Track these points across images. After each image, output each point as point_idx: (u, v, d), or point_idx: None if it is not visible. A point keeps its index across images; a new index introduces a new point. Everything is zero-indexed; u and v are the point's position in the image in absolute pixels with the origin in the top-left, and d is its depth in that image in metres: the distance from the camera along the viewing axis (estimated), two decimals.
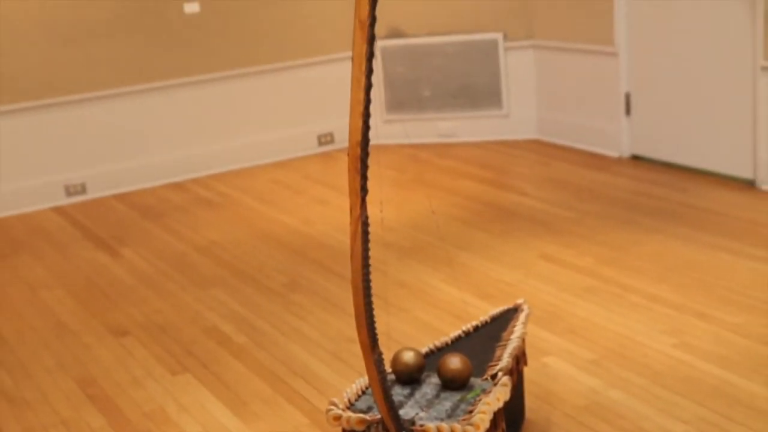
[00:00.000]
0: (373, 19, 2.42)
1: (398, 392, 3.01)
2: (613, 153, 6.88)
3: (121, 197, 7.04)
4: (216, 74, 7.33)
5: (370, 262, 2.57)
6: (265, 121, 7.57)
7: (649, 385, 3.77)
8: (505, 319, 3.59)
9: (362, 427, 2.83)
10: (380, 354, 2.67)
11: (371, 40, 2.43)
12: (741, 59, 5.83)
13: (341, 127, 7.50)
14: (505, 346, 3.34)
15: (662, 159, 6.57)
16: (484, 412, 2.84)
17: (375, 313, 2.63)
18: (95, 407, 4.02)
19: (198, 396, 4.03)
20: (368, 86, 2.43)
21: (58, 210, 6.86)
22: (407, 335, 4.31)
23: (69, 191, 6.98)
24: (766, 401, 3.57)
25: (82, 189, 7.02)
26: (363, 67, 2.42)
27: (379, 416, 2.80)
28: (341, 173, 7.00)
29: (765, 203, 5.63)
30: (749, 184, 5.92)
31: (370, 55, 2.43)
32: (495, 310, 3.76)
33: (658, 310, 4.40)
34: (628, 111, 6.74)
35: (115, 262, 5.73)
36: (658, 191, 6.04)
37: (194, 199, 6.87)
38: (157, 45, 7.11)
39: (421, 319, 4.54)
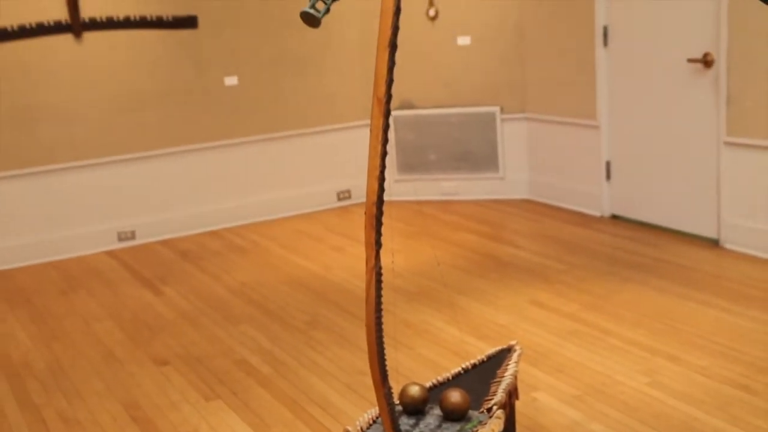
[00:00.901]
0: (389, 97, 2.42)
1: (405, 422, 2.98)
2: (595, 212, 6.86)
3: (165, 243, 7.05)
4: (250, 138, 7.36)
5: (382, 305, 2.56)
6: (291, 178, 7.59)
7: (625, 420, 3.74)
8: (499, 358, 3.56)
9: None
10: (389, 388, 2.65)
11: (387, 114, 2.42)
12: (707, 135, 5.83)
13: (357, 185, 7.59)
14: (499, 382, 3.31)
15: (638, 219, 6.55)
16: None
17: (385, 350, 2.61)
18: (138, 428, 4.00)
19: (228, 420, 4.00)
20: (384, 154, 2.43)
21: (111, 253, 6.86)
22: (413, 370, 4.28)
23: (120, 237, 6.99)
24: None
25: (132, 235, 7.03)
26: (380, 138, 2.42)
27: None
28: (357, 225, 7.05)
29: (728, 260, 5.60)
30: (714, 243, 5.89)
31: (386, 128, 2.43)
32: (491, 350, 3.74)
33: (634, 352, 4.37)
34: (608, 176, 6.74)
35: (158, 299, 5.72)
36: (634, 247, 6.02)
37: (228, 245, 6.87)
38: (201, 112, 7.14)
39: (425, 356, 4.51)
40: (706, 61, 5.75)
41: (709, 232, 5.95)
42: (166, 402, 4.24)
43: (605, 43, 6.52)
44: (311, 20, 2.06)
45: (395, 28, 2.41)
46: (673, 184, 6.18)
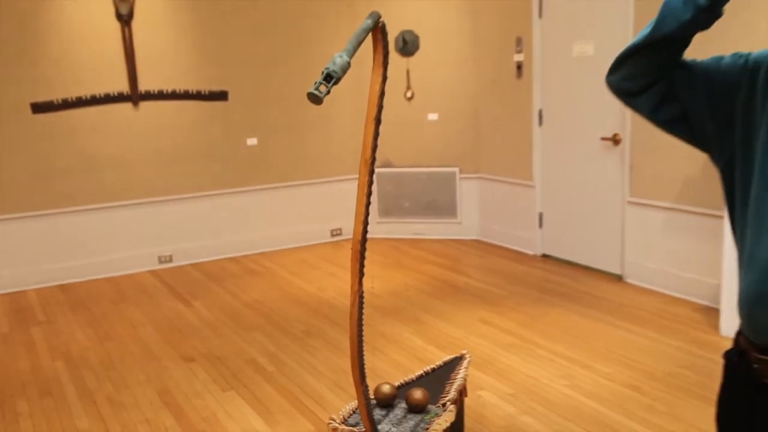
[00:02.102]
0: (373, 159, 2.43)
1: (378, 413, 2.97)
2: (530, 252, 6.87)
3: (195, 266, 7.00)
4: (264, 185, 7.36)
5: (363, 320, 2.55)
6: (295, 217, 7.58)
7: (548, 413, 3.74)
8: (453, 364, 3.56)
9: None
10: (367, 386, 2.64)
11: (371, 172, 2.43)
12: (615, 195, 5.87)
13: (347, 224, 7.57)
14: (452, 383, 3.31)
15: (563, 258, 6.57)
16: (436, 430, 2.81)
17: (365, 354, 2.60)
18: (169, 411, 3.97)
19: (239, 407, 3.98)
20: (368, 203, 2.44)
21: (153, 273, 6.82)
22: (386, 371, 4.27)
23: (161, 260, 6.95)
24: (625, 427, 3.57)
25: (170, 259, 6.99)
26: (365, 191, 2.43)
27: (363, 430, 2.75)
28: (346, 256, 7.05)
29: (629, 291, 5.62)
30: (619, 278, 5.92)
31: (370, 183, 2.44)
32: (446, 357, 3.73)
33: (556, 360, 4.38)
34: (540, 224, 6.76)
35: (188, 310, 5.68)
36: (559, 279, 6.03)
37: (244, 269, 6.83)
38: (227, 165, 7.14)
39: (395, 360, 4.49)
40: (615, 140, 5.81)
41: (615, 269, 5.98)
42: (192, 391, 4.21)
43: (540, 122, 6.58)
44: (315, 99, 2.07)
45: (380, 107, 2.43)
46: (589, 231, 6.22)
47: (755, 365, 1.58)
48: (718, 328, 4.75)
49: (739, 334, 1.66)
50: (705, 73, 1.65)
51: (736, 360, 1.67)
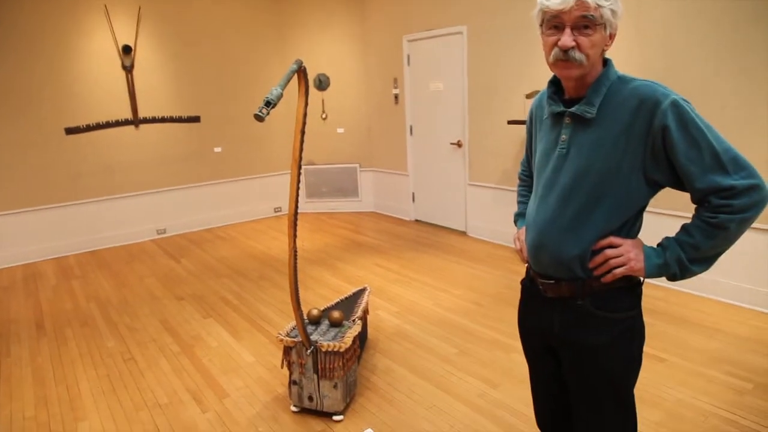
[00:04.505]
0: (300, 159, 2.39)
1: (310, 328, 2.95)
2: (407, 218, 6.93)
3: (182, 235, 6.72)
4: (227, 179, 7.12)
5: (297, 267, 2.51)
6: (249, 200, 7.38)
7: (422, 323, 3.81)
8: (359, 293, 3.57)
9: (293, 344, 2.76)
10: (301, 311, 2.62)
11: (299, 167, 2.39)
12: (461, 180, 5.99)
13: (285, 203, 7.42)
14: (359, 306, 3.32)
15: (429, 221, 6.65)
16: (349, 336, 2.81)
17: (300, 290, 2.57)
18: (168, 333, 3.83)
19: (216, 328, 3.87)
20: (297, 189, 2.39)
21: (153, 241, 6.50)
22: (313, 301, 4.23)
23: (158, 232, 6.64)
24: (474, 329, 3.66)
25: (164, 231, 6.69)
26: (295, 182, 2.38)
27: (300, 339, 2.73)
28: (284, 225, 6.92)
29: (470, 241, 5.76)
30: (464, 233, 6.06)
31: (299, 175, 2.40)
32: (355, 289, 3.74)
33: (426, 289, 4.45)
34: (413, 200, 6.82)
35: (178, 265, 5.46)
36: (426, 235, 6.11)
37: (215, 236, 6.61)
38: (201, 165, 6.86)
39: (320, 293, 4.44)
40: (459, 144, 5.91)
41: (461, 228, 6.11)
42: (183, 319, 4.07)
43: (411, 133, 6.62)
44: (259, 119, 2.01)
45: (304, 124, 2.38)
46: (444, 203, 6.32)
47: (540, 287, 1.66)
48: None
49: (529, 267, 1.73)
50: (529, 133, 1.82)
51: (528, 284, 1.74)
